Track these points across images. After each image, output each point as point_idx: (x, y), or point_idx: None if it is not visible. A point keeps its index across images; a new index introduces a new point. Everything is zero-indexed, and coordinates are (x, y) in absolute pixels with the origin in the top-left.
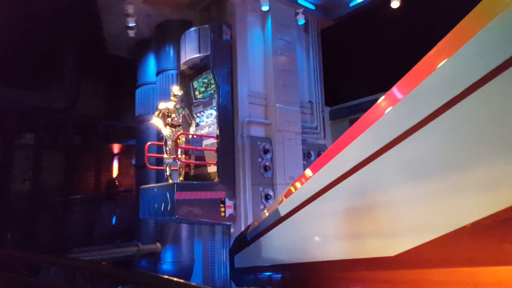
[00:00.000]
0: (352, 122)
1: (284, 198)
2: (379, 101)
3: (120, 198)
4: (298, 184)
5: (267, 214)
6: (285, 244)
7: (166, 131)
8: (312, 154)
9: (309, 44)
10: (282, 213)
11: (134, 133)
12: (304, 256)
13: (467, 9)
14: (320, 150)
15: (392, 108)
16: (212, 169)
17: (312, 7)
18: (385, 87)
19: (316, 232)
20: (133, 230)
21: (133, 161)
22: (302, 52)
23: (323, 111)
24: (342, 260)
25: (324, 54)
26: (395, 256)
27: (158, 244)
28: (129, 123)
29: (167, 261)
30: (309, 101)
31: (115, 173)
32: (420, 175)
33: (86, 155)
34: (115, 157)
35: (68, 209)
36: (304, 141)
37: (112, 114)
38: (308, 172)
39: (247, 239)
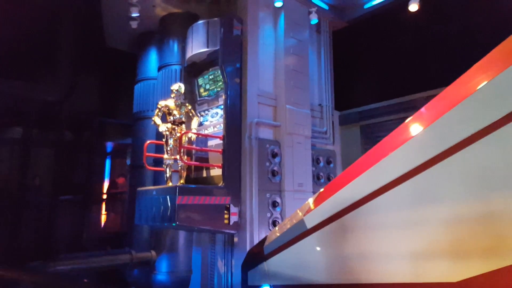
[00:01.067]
0: (363, 128)
1: (312, 207)
2: (443, 93)
3: (112, 200)
4: (332, 189)
5: (289, 225)
6: (314, 261)
7: (163, 128)
8: (321, 160)
9: (320, 45)
10: (309, 225)
11: (130, 131)
12: (339, 276)
13: (485, 18)
14: (329, 156)
15: (465, 100)
16: (215, 172)
17: (325, 6)
18: (397, 93)
19: (354, 250)
20: (125, 235)
21: (128, 161)
22: (313, 53)
23: (333, 115)
24: (388, 284)
25: (336, 57)
26: (458, 282)
27: (153, 252)
28: (125, 120)
29: (162, 271)
30: (319, 104)
31: (107, 173)
32: (500, 187)
33: (77, 152)
34: (108, 156)
35: (56, 210)
36: (313, 146)
37: (107, 110)
38: (348, 173)
39: (264, 254)
